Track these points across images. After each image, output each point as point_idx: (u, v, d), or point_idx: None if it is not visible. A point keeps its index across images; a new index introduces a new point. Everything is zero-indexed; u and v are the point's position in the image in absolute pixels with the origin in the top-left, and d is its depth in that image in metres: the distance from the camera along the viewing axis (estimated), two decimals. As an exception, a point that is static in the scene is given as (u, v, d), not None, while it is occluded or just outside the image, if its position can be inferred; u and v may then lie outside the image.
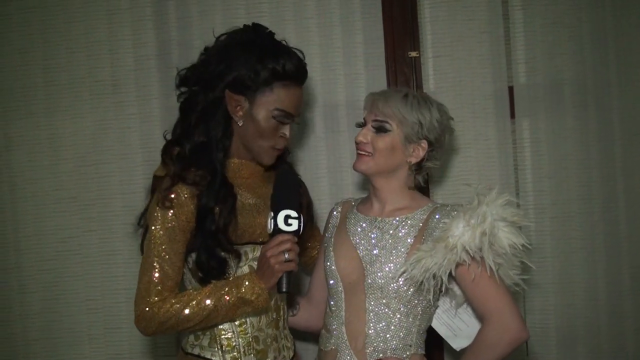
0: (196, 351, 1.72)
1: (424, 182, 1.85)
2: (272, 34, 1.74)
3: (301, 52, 1.75)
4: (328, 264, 1.82)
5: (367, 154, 1.75)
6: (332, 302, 1.81)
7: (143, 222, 1.72)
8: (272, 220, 1.57)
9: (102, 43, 2.42)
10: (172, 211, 1.62)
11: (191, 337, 1.74)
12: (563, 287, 2.35)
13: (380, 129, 1.74)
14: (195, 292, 1.62)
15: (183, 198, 1.62)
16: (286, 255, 1.54)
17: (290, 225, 1.57)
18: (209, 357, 1.70)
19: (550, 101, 2.35)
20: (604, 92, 2.34)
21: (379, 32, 2.38)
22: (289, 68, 1.66)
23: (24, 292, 2.45)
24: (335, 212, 1.94)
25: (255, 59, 1.64)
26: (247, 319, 1.71)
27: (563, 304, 2.36)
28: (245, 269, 1.69)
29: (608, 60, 2.34)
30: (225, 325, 1.70)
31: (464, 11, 2.36)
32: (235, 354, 1.69)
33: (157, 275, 1.62)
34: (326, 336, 1.81)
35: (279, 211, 1.58)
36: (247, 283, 1.59)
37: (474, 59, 2.36)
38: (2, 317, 2.46)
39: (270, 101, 1.66)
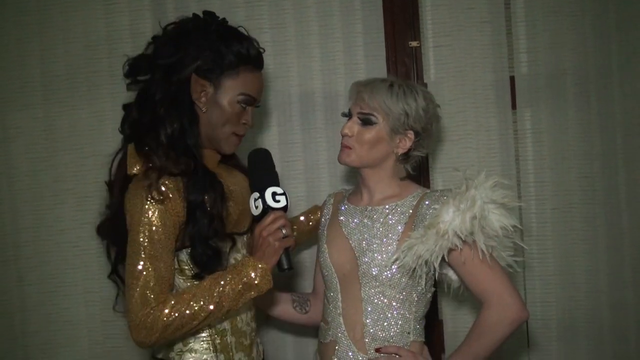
0: (186, 357, 1.65)
1: (412, 170, 1.83)
2: (226, 20, 1.72)
3: (257, 41, 1.74)
4: (322, 256, 1.83)
5: (349, 147, 1.74)
6: (328, 294, 1.81)
7: (110, 214, 1.67)
8: (260, 200, 1.56)
9: (100, 33, 2.40)
10: (162, 207, 1.54)
11: (178, 344, 1.66)
12: (564, 278, 2.34)
13: (366, 122, 1.73)
14: (194, 288, 1.54)
15: (170, 191, 1.56)
16: (283, 231, 1.53)
17: (278, 201, 1.56)
18: (202, 359, 1.65)
19: (551, 91, 2.34)
20: (606, 82, 2.32)
21: (379, 22, 2.36)
22: (252, 52, 1.67)
23: (22, 284, 2.44)
24: (328, 204, 1.94)
25: (220, 43, 1.63)
26: (238, 316, 1.70)
27: (564, 296, 2.35)
28: (234, 261, 1.67)
29: (610, 51, 2.32)
30: (219, 323, 1.67)
31: (465, 0, 2.33)
32: (228, 351, 1.67)
33: (152, 278, 1.52)
34: (325, 328, 1.81)
35: (265, 189, 1.57)
36: (248, 267, 1.54)
37: (475, 48, 2.34)
38: (0, 309, 2.45)
39: (236, 85, 1.65)
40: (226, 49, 1.63)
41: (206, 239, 1.59)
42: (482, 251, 1.61)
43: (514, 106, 2.34)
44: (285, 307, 1.96)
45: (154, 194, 1.53)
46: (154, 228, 1.53)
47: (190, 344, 1.66)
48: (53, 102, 2.42)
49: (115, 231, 1.66)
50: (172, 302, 1.52)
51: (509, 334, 1.65)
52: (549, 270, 2.34)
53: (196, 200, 1.58)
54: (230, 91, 1.65)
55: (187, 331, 1.55)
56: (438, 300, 2.36)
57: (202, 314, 1.52)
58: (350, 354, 1.73)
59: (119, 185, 1.64)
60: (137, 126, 1.66)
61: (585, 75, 2.33)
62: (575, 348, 2.35)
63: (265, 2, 2.37)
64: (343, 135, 1.76)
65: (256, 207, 1.57)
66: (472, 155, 2.34)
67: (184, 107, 1.64)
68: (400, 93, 1.72)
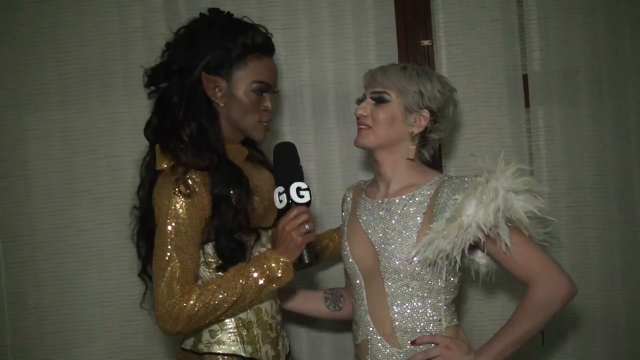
0: (214, 349, 1.68)
1: (430, 156, 1.82)
2: (231, 14, 1.76)
3: (263, 27, 1.76)
4: (344, 253, 1.81)
5: (366, 127, 1.73)
6: (353, 292, 1.80)
7: (139, 214, 1.73)
8: (284, 195, 1.58)
9: (114, 35, 2.42)
10: (189, 200, 1.58)
11: (206, 336, 1.69)
12: (579, 276, 2.32)
13: (380, 100, 1.72)
14: (218, 279, 1.58)
15: (197, 185, 1.60)
16: (306, 227, 1.55)
17: (302, 197, 1.58)
18: (230, 351, 1.67)
19: (564, 89, 2.33)
20: (619, 79, 2.31)
21: (391, 21, 2.36)
22: (258, 40, 1.69)
23: (38, 285, 2.46)
24: (347, 199, 1.92)
25: (225, 37, 1.67)
26: (263, 307, 1.71)
27: (579, 294, 2.29)
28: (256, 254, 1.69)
29: (623, 48, 2.31)
30: (244, 316, 1.69)
31: (477, -1, 2.34)
32: (255, 343, 1.69)
33: (178, 269, 1.56)
34: (355, 329, 1.80)
35: (290, 184, 1.58)
36: (271, 260, 1.57)
37: (487, 47, 2.34)
38: (17, 310, 2.47)
39: (247, 75, 1.68)
40: (231, 42, 1.66)
41: (231, 232, 1.62)
42: (506, 244, 1.59)
43: (526, 104, 2.34)
44: (317, 306, 1.97)
45: (181, 187, 1.58)
46: (180, 220, 1.57)
47: (218, 336, 1.69)
48: (68, 105, 2.44)
49: (144, 227, 1.71)
50: (197, 293, 1.55)
51: (559, 312, 1.63)
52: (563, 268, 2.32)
53: (222, 194, 1.62)
54: (243, 82, 1.68)
55: (210, 320, 1.60)
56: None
57: (226, 305, 1.56)
58: (384, 350, 1.71)
59: (148, 182, 1.69)
60: (159, 131, 1.71)
61: (598, 72, 2.32)
62: (590, 347, 2.34)
63: (278, 2, 2.38)
64: (358, 117, 1.74)
65: (280, 201, 1.59)
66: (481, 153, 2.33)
67: (200, 106, 1.68)
68: (414, 74, 1.72)
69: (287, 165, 1.63)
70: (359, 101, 1.78)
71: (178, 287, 1.55)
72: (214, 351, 1.68)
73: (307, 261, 1.58)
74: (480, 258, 1.76)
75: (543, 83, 2.34)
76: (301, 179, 1.60)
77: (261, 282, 1.56)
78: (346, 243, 1.82)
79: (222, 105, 1.69)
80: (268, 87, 1.72)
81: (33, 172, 2.45)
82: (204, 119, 1.67)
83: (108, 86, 2.43)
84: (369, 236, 1.76)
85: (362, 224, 1.79)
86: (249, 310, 1.70)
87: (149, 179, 1.70)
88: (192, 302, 1.54)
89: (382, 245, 1.72)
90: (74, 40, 2.43)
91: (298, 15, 2.37)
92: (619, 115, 2.32)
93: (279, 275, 1.56)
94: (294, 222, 1.55)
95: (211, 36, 1.68)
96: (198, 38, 1.69)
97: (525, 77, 2.34)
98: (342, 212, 1.93)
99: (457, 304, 1.79)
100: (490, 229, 1.58)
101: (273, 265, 1.56)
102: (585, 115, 2.32)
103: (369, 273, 1.75)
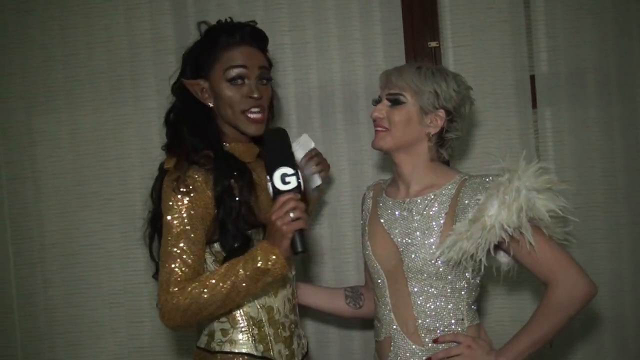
0: (226, 348, 1.68)
1: (448, 155, 1.81)
2: (218, 22, 1.78)
3: (253, 21, 1.76)
4: (366, 252, 1.82)
5: (383, 129, 1.72)
6: (376, 291, 1.81)
7: (150, 215, 1.74)
8: (270, 184, 1.52)
9: (122, 38, 2.44)
10: (189, 197, 1.60)
11: (218, 335, 1.70)
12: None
13: (395, 102, 1.71)
14: (210, 274, 1.58)
15: (199, 183, 1.61)
16: (291, 215, 1.48)
17: (288, 183, 1.50)
18: (242, 350, 1.67)
19: (572, 90, 2.32)
20: (627, 80, 2.30)
21: (398, 23, 2.36)
22: (229, 33, 1.69)
23: (48, 286, 2.48)
24: (367, 198, 1.92)
25: (201, 42, 1.72)
26: (275, 305, 1.71)
27: (587, 295, 2.33)
28: None
29: (632, 48, 2.30)
30: (256, 314, 1.69)
31: (484, 0, 2.33)
32: (267, 342, 1.69)
33: (176, 265, 1.58)
34: (377, 326, 1.80)
35: (274, 171, 1.51)
36: (260, 252, 1.54)
37: (495, 48, 2.33)
38: (27, 311, 2.49)
39: (221, 66, 1.68)
40: (206, 44, 1.71)
41: (234, 224, 1.62)
42: (530, 243, 1.59)
43: (534, 105, 2.34)
44: (338, 304, 1.97)
45: (181, 185, 1.60)
46: (180, 218, 1.59)
47: (230, 335, 1.69)
48: (77, 106, 2.45)
49: (154, 228, 1.74)
50: (189, 289, 1.55)
51: (580, 312, 1.63)
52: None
53: (223, 188, 1.62)
54: (219, 75, 1.68)
55: (209, 314, 1.59)
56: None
57: (218, 298, 1.55)
58: (407, 348, 1.71)
59: (158, 183, 1.71)
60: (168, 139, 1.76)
61: (606, 73, 2.31)
62: (599, 347, 2.34)
63: (285, 4, 2.38)
64: (374, 119, 1.74)
65: (270, 192, 1.53)
66: (492, 154, 2.33)
67: (194, 110, 1.72)
68: (428, 74, 1.71)
69: (271, 152, 1.55)
70: (375, 102, 1.78)
71: (174, 283, 1.57)
72: (225, 350, 1.68)
73: (299, 249, 1.50)
74: (501, 257, 1.75)
75: (551, 84, 2.33)
76: (286, 164, 1.51)
77: (253, 274, 1.54)
78: (368, 242, 1.82)
79: (211, 105, 1.72)
80: (243, 70, 1.67)
81: (42, 174, 2.47)
82: (199, 121, 1.71)
83: (116, 88, 2.44)
84: (391, 236, 1.76)
85: (383, 224, 1.79)
86: (259, 309, 1.70)
87: (159, 179, 1.72)
88: (183, 298, 1.55)
89: (405, 246, 1.72)
90: (82, 42, 2.45)
91: (305, 17, 2.38)
92: (627, 116, 2.31)
93: (269, 267, 1.53)
94: (279, 211, 1.49)
95: (193, 46, 1.75)
96: (187, 52, 1.77)
97: (532, 78, 2.33)
98: (362, 210, 1.93)
99: (479, 303, 1.79)
100: (514, 229, 1.58)
101: (262, 258, 1.53)
102: (593, 117, 2.32)
103: (392, 272, 1.75)
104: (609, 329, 2.33)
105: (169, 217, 1.60)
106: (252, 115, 1.68)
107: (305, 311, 2.03)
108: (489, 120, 2.34)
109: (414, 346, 1.71)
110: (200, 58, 1.71)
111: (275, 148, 1.55)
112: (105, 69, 2.44)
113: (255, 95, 1.67)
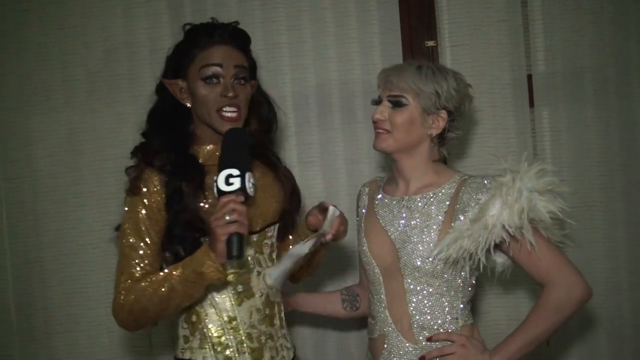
0: (187, 355, 1.67)
1: (447, 153, 1.81)
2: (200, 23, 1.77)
3: (235, 22, 1.74)
4: (362, 249, 1.81)
5: (385, 131, 1.71)
6: (371, 288, 1.80)
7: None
8: (215, 185, 1.47)
9: (119, 37, 2.44)
10: (136, 198, 1.61)
11: (181, 342, 1.68)
12: (584, 276, 2.31)
13: (397, 104, 1.70)
14: (154, 275, 1.57)
15: (153, 185, 1.61)
16: (227, 217, 1.42)
17: (231, 184, 1.44)
18: (199, 359, 1.65)
19: (570, 89, 2.32)
20: (625, 80, 2.30)
21: (395, 22, 2.36)
22: (207, 33, 1.67)
23: (45, 285, 2.48)
24: (363, 195, 1.91)
25: (181, 43, 1.71)
26: (238, 316, 1.66)
27: (585, 295, 2.33)
28: (232, 262, 1.63)
29: (629, 47, 2.30)
30: (216, 323, 1.66)
31: (482, -1, 2.34)
32: (228, 352, 1.65)
33: (126, 266, 1.59)
34: (372, 323, 1.80)
35: (220, 172, 1.46)
36: (198, 255, 1.52)
37: (492, 47, 2.33)
38: (24, 310, 2.49)
39: (197, 66, 1.66)
40: (183, 45, 1.70)
41: (181, 229, 1.60)
42: (531, 243, 1.60)
43: (531, 104, 2.34)
44: (336, 308, 1.97)
45: (134, 187, 1.63)
46: (132, 219, 1.61)
47: (190, 342, 1.67)
48: (74, 106, 2.45)
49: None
50: (135, 289, 1.56)
51: (575, 313, 1.64)
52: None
53: (171, 191, 1.61)
54: (195, 74, 1.66)
55: (156, 315, 1.58)
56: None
57: (157, 300, 1.54)
58: (400, 346, 1.71)
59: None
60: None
61: (604, 72, 2.31)
62: (596, 346, 2.34)
63: (282, 3, 2.38)
64: (375, 121, 1.73)
65: (215, 193, 1.49)
66: (490, 154, 2.33)
67: (169, 110, 1.73)
68: (429, 73, 1.70)
69: (223, 153, 1.50)
70: (375, 102, 1.77)
71: (124, 282, 1.58)
72: (186, 357, 1.67)
73: (233, 253, 1.43)
74: (497, 257, 1.76)
75: (548, 83, 2.33)
76: (234, 166, 1.45)
77: (186, 276, 1.52)
78: (364, 239, 1.81)
79: (189, 105, 1.70)
80: (217, 69, 1.64)
81: (39, 174, 2.47)
82: (169, 121, 1.71)
83: (114, 88, 2.44)
84: (388, 233, 1.76)
85: (380, 221, 1.78)
86: (219, 318, 1.66)
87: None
88: (124, 297, 1.57)
89: (403, 243, 1.72)
90: (79, 42, 2.45)
91: (302, 17, 2.38)
92: (625, 116, 2.31)
93: (203, 270, 1.50)
94: (217, 213, 1.44)
95: (174, 47, 1.74)
96: (169, 53, 1.76)
97: (530, 78, 2.33)
98: (358, 207, 1.91)
99: (474, 302, 1.79)
100: (515, 229, 1.59)
101: (199, 260, 1.51)
102: (591, 116, 2.32)
103: (388, 270, 1.75)
104: (606, 328, 2.33)
105: (124, 219, 1.63)
106: (226, 114, 1.65)
107: (301, 312, 2.03)
108: (487, 119, 2.34)
109: (407, 344, 1.70)
110: (179, 58, 1.70)
111: (228, 148, 1.51)
112: (102, 69, 2.44)
113: (230, 94, 1.63)
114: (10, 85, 2.47)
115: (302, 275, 1.93)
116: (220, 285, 1.64)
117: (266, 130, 1.81)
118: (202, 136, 1.72)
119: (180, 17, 2.39)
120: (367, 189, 1.91)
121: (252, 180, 1.46)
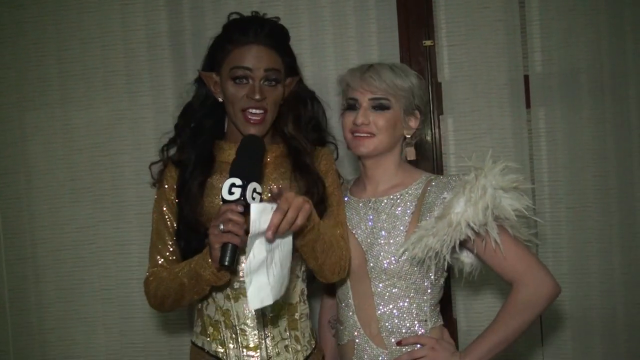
0: (193, 338, 1.77)
1: (414, 155, 1.81)
2: (238, 15, 1.77)
3: (277, 18, 1.77)
4: None
5: (369, 135, 1.69)
6: (339, 292, 1.79)
7: None
8: (221, 192, 1.47)
9: (116, 33, 2.43)
10: (162, 193, 1.72)
11: (194, 326, 1.78)
12: (578, 277, 2.34)
13: (381, 107, 1.69)
14: (175, 266, 1.66)
15: (172, 181, 1.71)
16: (221, 227, 1.43)
17: (232, 194, 1.44)
18: (198, 344, 1.74)
19: (566, 90, 2.33)
20: (621, 81, 2.31)
21: (393, 21, 2.36)
22: (242, 31, 1.67)
23: (39, 281, 2.47)
24: None
25: (220, 36, 1.73)
26: (233, 309, 1.68)
27: (578, 295, 2.34)
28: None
29: (625, 49, 2.31)
30: (213, 314, 1.70)
31: (479, -1, 2.34)
32: (219, 344, 1.69)
33: (152, 253, 1.72)
34: (340, 329, 1.78)
35: (227, 180, 1.46)
36: (201, 256, 1.55)
37: (489, 47, 2.34)
38: (18, 306, 2.48)
39: (229, 64, 1.67)
40: (222, 38, 1.71)
41: (184, 225, 1.67)
42: (496, 241, 1.60)
43: (528, 105, 2.34)
44: (330, 338, 1.94)
45: (157, 181, 1.75)
46: (155, 211, 1.74)
47: (195, 328, 1.77)
48: (70, 102, 2.44)
49: None
50: (159, 277, 1.67)
51: (544, 311, 1.64)
52: (563, 269, 2.33)
53: (179, 187, 1.69)
54: (226, 71, 1.68)
55: (176, 302, 1.66)
56: (452, 299, 2.36)
57: (173, 291, 1.63)
58: (369, 351, 1.70)
59: None
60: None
61: (600, 73, 2.32)
62: (589, 347, 2.35)
63: (280, 1, 2.38)
64: (358, 125, 1.69)
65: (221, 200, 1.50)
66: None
67: (200, 106, 1.76)
68: (401, 73, 1.71)
69: (235, 160, 1.51)
70: (351, 107, 1.72)
71: (150, 268, 1.72)
72: (193, 340, 1.77)
73: (224, 263, 1.43)
74: (465, 257, 1.76)
75: (544, 84, 2.34)
76: (238, 175, 1.45)
77: (191, 273, 1.57)
78: None
79: (220, 100, 1.73)
80: (247, 71, 1.64)
81: (34, 169, 2.45)
82: (199, 117, 1.75)
83: (110, 84, 2.43)
84: (355, 235, 1.75)
85: (347, 224, 1.77)
86: (217, 310, 1.70)
87: None
88: (154, 284, 1.68)
89: (370, 245, 1.71)
90: (76, 38, 2.44)
91: (300, 15, 2.37)
92: (620, 117, 2.32)
93: (201, 272, 1.54)
94: (215, 220, 1.45)
95: (214, 39, 1.74)
96: (209, 45, 1.77)
97: (526, 78, 2.34)
98: None
99: (445, 304, 1.79)
100: (479, 226, 1.58)
101: (200, 261, 1.55)
102: (586, 117, 2.32)
103: (356, 273, 1.73)
104: (599, 328, 2.34)
105: (153, 207, 1.75)
106: (250, 116, 1.66)
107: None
108: (483, 119, 2.34)
109: (376, 350, 1.69)
110: (215, 52, 1.71)
111: (240, 156, 1.51)
112: (99, 65, 2.43)
113: (257, 97, 1.63)
114: (6, 81, 2.46)
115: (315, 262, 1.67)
116: None
117: (314, 127, 1.79)
118: (231, 133, 1.75)
119: (178, 13, 2.39)
120: None
121: (258, 190, 1.46)
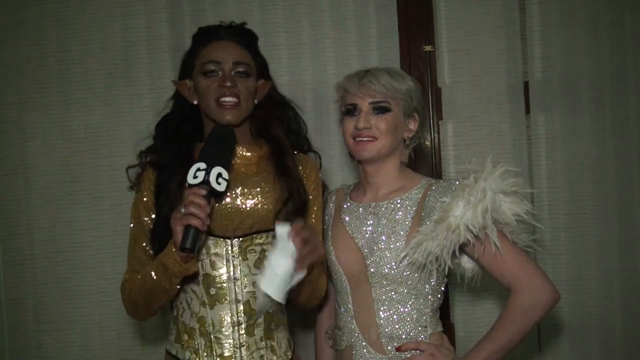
0: (168, 346, 1.76)
1: (413, 155, 1.83)
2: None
3: (243, 23, 1.81)
4: (329, 257, 1.79)
5: (371, 139, 1.70)
6: (338, 297, 1.78)
7: None
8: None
9: (116, 35, 2.43)
10: (139, 196, 1.73)
11: (170, 334, 1.76)
12: (577, 284, 2.34)
13: (381, 110, 1.70)
14: (141, 269, 1.66)
15: (147, 180, 1.71)
16: (182, 210, 1.43)
17: (196, 177, 1.45)
18: (172, 352, 1.71)
19: (565, 96, 2.33)
20: (620, 87, 2.32)
21: (393, 26, 2.36)
22: (209, 32, 1.73)
23: (37, 283, 2.46)
24: (330, 203, 1.88)
25: (189, 48, 1.78)
26: (208, 317, 1.67)
27: (577, 301, 2.34)
28: (207, 262, 1.67)
29: (625, 55, 2.32)
30: (188, 321, 1.69)
31: (480, 5, 2.34)
32: (193, 352, 1.67)
33: (129, 258, 1.73)
34: (338, 334, 1.77)
35: (192, 165, 1.48)
36: (166, 248, 1.55)
37: (490, 53, 2.34)
38: (15, 308, 2.47)
39: (199, 63, 1.72)
40: (192, 46, 1.77)
41: (162, 227, 1.62)
42: (495, 244, 1.59)
43: (527, 111, 2.34)
44: (330, 351, 1.93)
45: (134, 184, 1.77)
46: (132, 213, 1.75)
47: (169, 336, 1.76)
48: (70, 104, 2.44)
49: None
50: (131, 280, 1.67)
51: (542, 318, 1.63)
52: (561, 275, 2.33)
53: (159, 187, 1.69)
54: (198, 70, 1.71)
55: (146, 305, 1.66)
56: (450, 304, 2.36)
57: (143, 291, 1.62)
58: (369, 356, 1.69)
59: None
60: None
61: (599, 80, 2.32)
62: (587, 354, 2.35)
63: (280, 5, 2.38)
64: (360, 129, 1.69)
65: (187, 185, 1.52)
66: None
67: (179, 109, 1.81)
68: (399, 77, 1.72)
69: (203, 147, 1.54)
70: (350, 113, 1.73)
71: (125, 273, 1.71)
72: (167, 348, 1.76)
73: (185, 245, 1.42)
74: (466, 262, 1.75)
75: (544, 90, 2.34)
76: (202, 160, 1.47)
77: (156, 266, 1.57)
78: (331, 247, 1.79)
79: (195, 102, 1.75)
80: (216, 64, 1.68)
81: (33, 171, 2.45)
82: (175, 125, 1.78)
83: (110, 86, 2.43)
84: (356, 240, 1.74)
85: (347, 228, 1.77)
86: (192, 317, 1.68)
87: None
88: (126, 287, 1.68)
89: (370, 250, 1.70)
90: (76, 40, 2.43)
91: (300, 19, 2.38)
92: (620, 123, 2.32)
93: (165, 261, 1.53)
94: (179, 206, 1.47)
95: (186, 52, 1.81)
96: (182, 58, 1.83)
97: (526, 84, 2.34)
98: (325, 215, 1.87)
99: (443, 310, 1.78)
100: (479, 230, 1.57)
101: (165, 251, 1.55)
102: (586, 123, 2.33)
103: (356, 278, 1.73)
104: (598, 335, 2.34)
105: (131, 213, 1.75)
106: (224, 103, 1.67)
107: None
108: (482, 125, 2.34)
109: (376, 354, 1.68)
110: (186, 59, 1.77)
111: (207, 143, 1.56)
112: (99, 67, 2.43)
113: (228, 84, 1.66)
114: (5, 82, 2.45)
115: (300, 296, 1.72)
116: (195, 285, 1.67)
117: (294, 132, 1.85)
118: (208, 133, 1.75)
119: (179, 16, 2.39)
120: (333, 197, 1.89)
121: (224, 176, 1.46)
